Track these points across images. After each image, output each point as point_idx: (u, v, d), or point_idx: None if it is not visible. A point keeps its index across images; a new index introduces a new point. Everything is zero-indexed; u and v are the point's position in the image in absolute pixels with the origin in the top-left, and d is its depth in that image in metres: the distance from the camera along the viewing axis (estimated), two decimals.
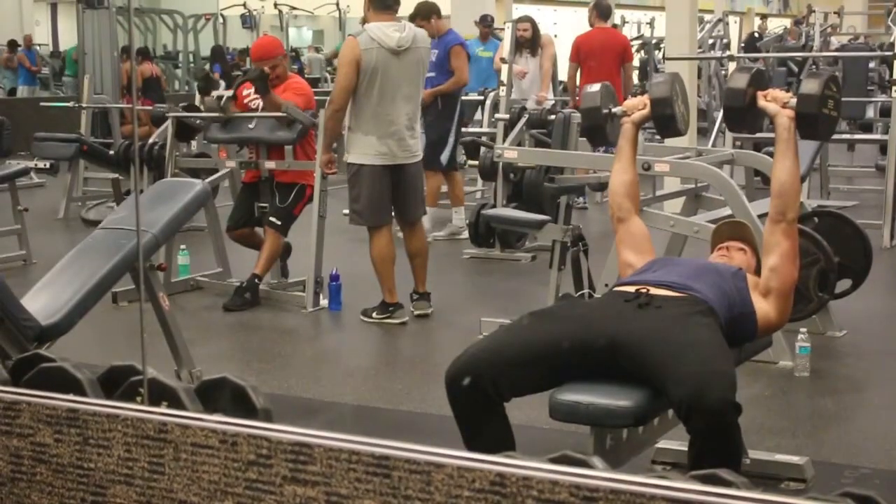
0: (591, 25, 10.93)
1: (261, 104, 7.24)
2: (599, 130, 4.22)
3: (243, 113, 7.32)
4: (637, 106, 4.15)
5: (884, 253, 8.36)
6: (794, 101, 3.84)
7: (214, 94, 7.44)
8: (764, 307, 3.73)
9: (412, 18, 8.49)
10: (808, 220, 5.94)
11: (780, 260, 3.75)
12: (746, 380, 4.82)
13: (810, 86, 3.80)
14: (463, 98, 9.70)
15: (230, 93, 7.41)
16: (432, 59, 7.91)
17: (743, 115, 3.95)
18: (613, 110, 4.17)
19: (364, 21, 6.76)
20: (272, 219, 7.11)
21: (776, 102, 3.85)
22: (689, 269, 3.79)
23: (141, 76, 15.15)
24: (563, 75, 13.51)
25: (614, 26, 20.57)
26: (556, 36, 12.63)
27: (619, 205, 4.09)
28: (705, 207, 6.27)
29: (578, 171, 7.78)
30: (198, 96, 10.15)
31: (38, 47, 23.61)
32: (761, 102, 3.88)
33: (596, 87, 4.23)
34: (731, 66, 10.24)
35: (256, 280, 7.13)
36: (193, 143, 9.28)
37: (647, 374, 3.33)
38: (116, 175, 10.16)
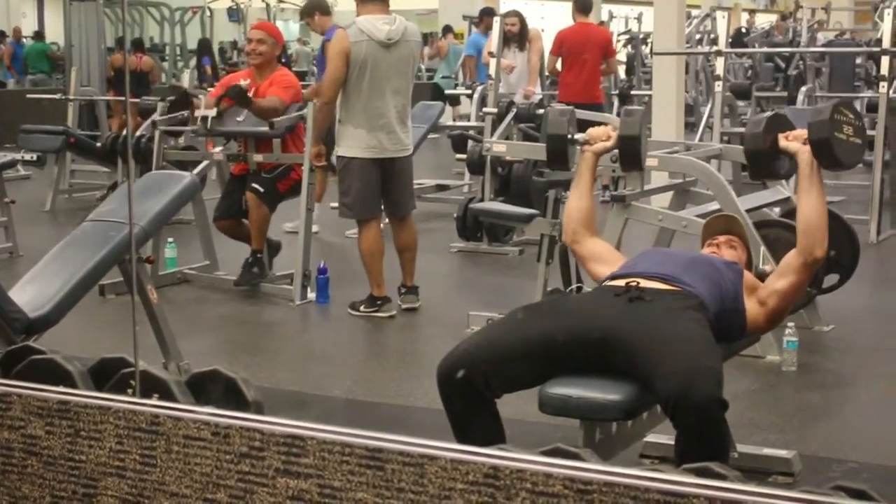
0: (574, 20, 10.94)
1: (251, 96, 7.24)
2: (562, 156, 4.20)
3: (230, 111, 7.29)
4: (600, 136, 4.10)
5: (871, 248, 8.38)
6: None
7: (198, 114, 7.35)
8: (756, 312, 3.74)
9: (302, 16, 8.59)
10: (795, 215, 5.94)
11: (790, 288, 3.76)
12: (734, 374, 4.83)
13: (818, 113, 3.78)
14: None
15: (213, 112, 7.32)
16: (317, 57, 7.96)
17: (766, 160, 3.93)
18: (576, 137, 4.15)
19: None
20: (254, 184, 7.11)
21: (798, 141, 3.82)
22: (682, 260, 3.79)
23: (132, 69, 15.12)
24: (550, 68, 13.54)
25: (602, 22, 20.61)
26: (543, 30, 12.59)
27: (573, 230, 4.08)
28: (693, 202, 6.28)
29: None
30: (186, 84, 10.11)
31: (25, 40, 23.51)
32: (783, 143, 3.85)
33: (563, 112, 4.20)
34: (719, 61, 10.25)
35: (258, 255, 7.17)
36: (181, 138, 9.24)
37: (636, 370, 3.33)
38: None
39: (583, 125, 8.26)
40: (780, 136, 3.88)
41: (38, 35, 22.27)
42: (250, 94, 7.19)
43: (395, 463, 1.70)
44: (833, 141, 3.73)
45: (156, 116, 7.65)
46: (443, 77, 18.48)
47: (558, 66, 10.77)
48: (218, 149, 7.58)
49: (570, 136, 4.15)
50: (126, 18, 21.47)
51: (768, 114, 4.06)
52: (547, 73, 11.74)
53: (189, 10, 22.91)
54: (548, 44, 11.62)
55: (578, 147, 4.18)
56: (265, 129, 7.06)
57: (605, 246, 4.16)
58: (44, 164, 10.80)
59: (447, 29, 18.96)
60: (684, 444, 3.25)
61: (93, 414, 1.93)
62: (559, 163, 4.30)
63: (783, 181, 6.52)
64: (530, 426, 4.11)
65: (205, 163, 7.68)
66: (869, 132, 10.24)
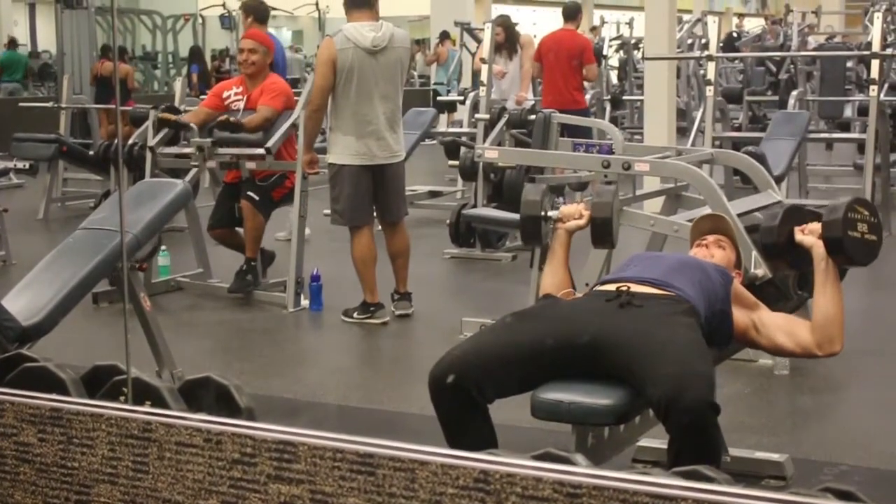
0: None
1: (242, 105, 7.26)
2: (536, 235, 4.21)
3: (223, 128, 7.32)
4: (573, 214, 4.08)
5: None
6: None
7: (194, 142, 7.35)
8: (744, 328, 3.74)
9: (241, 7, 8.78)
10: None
11: (786, 349, 3.79)
12: (726, 378, 4.84)
13: (832, 211, 3.75)
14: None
15: (208, 143, 7.32)
16: None
17: (782, 252, 3.93)
18: (549, 214, 4.14)
19: None
20: (249, 192, 7.12)
21: (813, 235, 3.79)
22: (672, 264, 3.80)
23: (106, 74, 15.11)
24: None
25: (593, 27, 20.63)
26: (535, 36, 12.64)
27: None
28: (685, 207, 6.28)
29: (558, 170, 7.81)
30: (178, 93, 10.12)
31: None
32: (798, 237, 3.83)
33: (538, 192, 4.19)
34: (711, 65, 10.27)
35: (252, 263, 7.19)
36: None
37: (627, 374, 3.34)
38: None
39: (566, 129, 8.28)
40: (796, 230, 3.84)
41: (12, 43, 22.16)
42: (241, 103, 7.23)
43: (387, 468, 1.71)
44: (846, 240, 3.68)
45: (151, 141, 7.66)
46: (437, 83, 18.52)
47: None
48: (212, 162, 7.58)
49: (543, 214, 4.14)
50: (118, 26, 21.46)
51: (785, 206, 4.04)
52: (540, 80, 11.76)
53: (181, 17, 22.92)
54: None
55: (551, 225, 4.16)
56: (257, 139, 7.09)
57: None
58: (36, 172, 10.78)
59: (445, 35, 18.97)
60: (677, 448, 3.26)
61: (85, 421, 1.93)
62: (533, 240, 4.31)
63: (774, 185, 6.54)
64: (523, 432, 4.12)
65: (194, 170, 7.67)
66: (860, 136, 10.30)
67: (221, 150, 7.24)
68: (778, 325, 3.78)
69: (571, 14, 11.13)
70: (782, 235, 3.86)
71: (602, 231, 4.02)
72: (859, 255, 3.77)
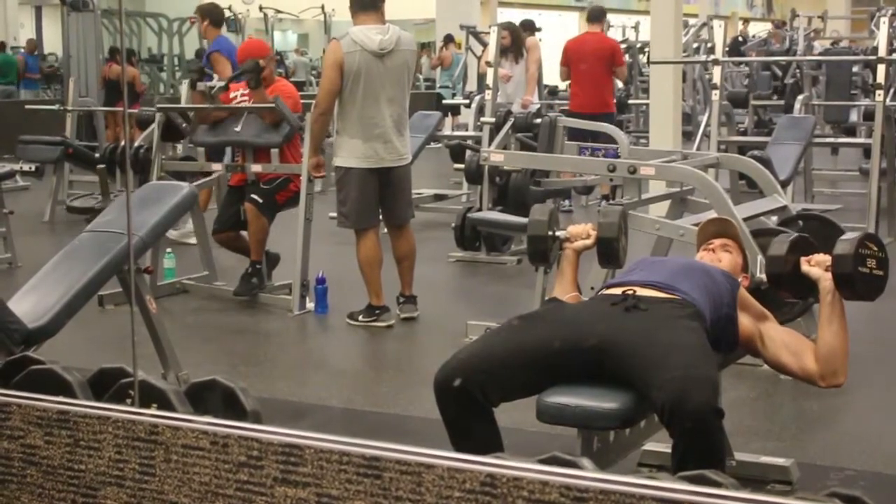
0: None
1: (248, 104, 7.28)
2: (544, 256, 4.21)
3: (228, 121, 7.35)
4: (581, 234, 4.09)
5: None
6: None
7: (207, 84, 7.45)
8: (750, 337, 3.74)
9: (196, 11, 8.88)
10: (793, 224, 5.95)
11: (789, 370, 3.77)
12: (731, 382, 4.84)
13: (843, 246, 3.72)
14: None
15: (223, 83, 7.42)
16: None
17: (788, 282, 3.92)
18: (557, 234, 4.15)
19: None
20: (253, 195, 7.13)
21: (819, 267, 3.77)
22: (677, 268, 3.80)
23: (113, 77, 15.14)
24: (547, 78, 13.57)
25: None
26: (541, 40, 12.66)
27: None
28: (690, 211, 6.28)
29: (564, 174, 7.81)
30: (184, 95, 10.14)
31: (17, 51, 23.51)
32: (805, 268, 3.80)
33: (544, 213, 4.19)
34: (716, 69, 10.27)
35: (257, 266, 7.19)
36: (179, 146, 9.26)
37: (632, 378, 3.34)
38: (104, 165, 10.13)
39: (587, 135, 8.28)
40: (803, 261, 3.81)
41: (2, 45, 22.17)
42: (248, 103, 7.25)
43: (393, 471, 1.71)
44: (856, 276, 3.68)
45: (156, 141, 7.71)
46: (442, 86, 18.52)
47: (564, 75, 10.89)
48: (217, 165, 7.61)
49: (551, 234, 4.14)
50: (124, 29, 21.49)
51: (792, 237, 4.02)
52: (546, 84, 11.79)
53: (187, 20, 22.92)
54: (544, 53, 11.65)
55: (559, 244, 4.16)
56: (265, 134, 7.11)
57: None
58: (42, 174, 10.81)
59: (449, 38, 18.98)
60: (681, 453, 3.25)
61: (92, 424, 1.93)
62: (540, 260, 4.32)
63: (780, 189, 6.53)
64: (528, 435, 4.12)
65: (211, 177, 7.69)
66: (866, 140, 10.29)
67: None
68: (784, 343, 3.77)
69: (597, 16, 11.19)
70: (789, 264, 3.85)
71: (609, 251, 4.03)
72: (867, 291, 3.75)
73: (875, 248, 3.71)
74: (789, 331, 3.87)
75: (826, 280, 3.72)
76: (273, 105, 7.04)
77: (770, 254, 3.98)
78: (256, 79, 7.11)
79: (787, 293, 4.09)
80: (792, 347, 3.76)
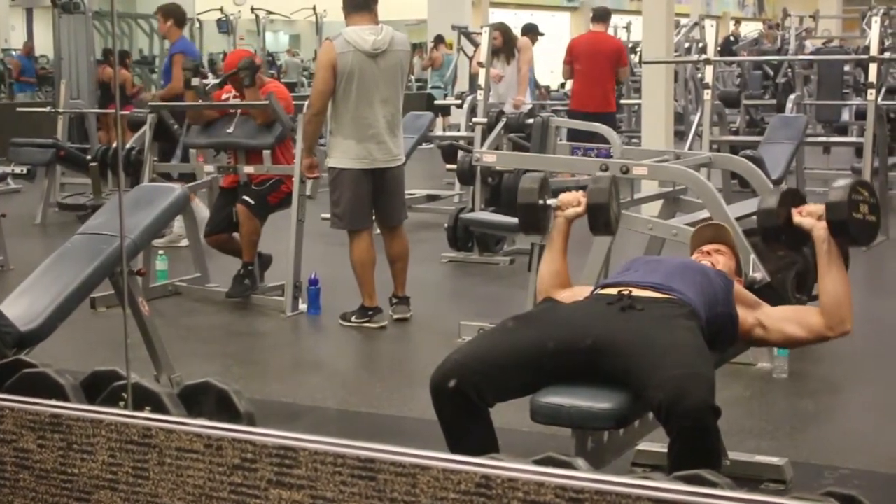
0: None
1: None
2: (535, 225, 4.21)
3: (220, 123, 7.34)
4: (571, 202, 4.08)
5: (860, 255, 8.37)
6: None
7: (202, 81, 7.46)
8: (750, 325, 3.75)
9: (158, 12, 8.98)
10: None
11: (796, 339, 3.79)
12: (725, 381, 4.84)
13: (836, 193, 3.75)
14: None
15: (217, 81, 7.43)
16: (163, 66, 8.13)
17: (780, 234, 3.94)
18: (548, 202, 4.15)
19: None
20: (245, 197, 7.13)
21: (811, 217, 3.79)
22: (672, 268, 3.80)
23: (106, 80, 15.13)
24: (540, 79, 13.58)
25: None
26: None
27: (545, 291, 4.05)
28: (683, 210, 6.28)
29: (559, 174, 7.81)
30: None
31: (11, 53, 23.48)
32: (797, 219, 3.81)
33: (535, 181, 4.19)
34: (708, 69, 10.28)
35: (250, 267, 7.19)
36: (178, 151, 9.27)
37: (628, 378, 3.34)
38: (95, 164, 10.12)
39: (585, 135, 8.28)
40: (794, 212, 3.84)
41: None
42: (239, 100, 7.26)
43: (388, 473, 1.70)
44: (850, 222, 3.70)
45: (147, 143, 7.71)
46: (433, 87, 18.53)
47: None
48: (210, 167, 7.61)
49: (541, 203, 4.14)
50: (115, 31, 21.46)
51: (781, 189, 4.04)
52: (539, 85, 11.80)
53: None
54: (537, 53, 11.65)
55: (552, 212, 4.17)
56: (257, 136, 7.11)
57: (580, 288, 4.12)
58: (34, 177, 10.79)
59: (440, 39, 18.99)
60: (677, 452, 3.25)
61: (85, 427, 1.93)
62: (530, 228, 4.31)
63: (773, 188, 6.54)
64: (523, 436, 4.12)
65: (203, 179, 7.68)
66: (857, 139, 10.31)
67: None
68: (786, 317, 3.80)
69: (603, 16, 11.25)
70: (780, 217, 3.87)
71: (599, 217, 4.02)
72: (861, 236, 3.80)
73: (867, 194, 3.75)
74: (784, 307, 3.89)
75: (820, 229, 3.75)
76: (266, 103, 7.03)
77: (761, 207, 4.00)
78: (251, 77, 7.11)
79: (779, 247, 4.10)
80: (793, 318, 3.79)
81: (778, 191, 4.00)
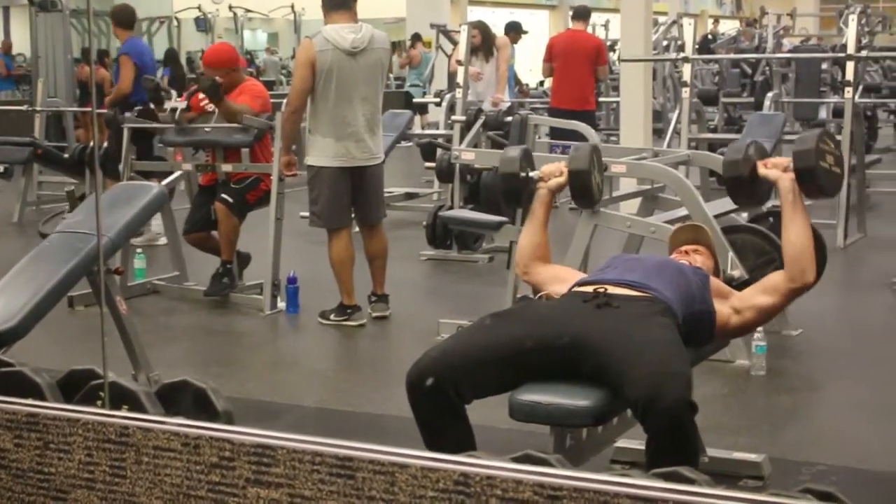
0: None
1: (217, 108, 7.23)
2: (517, 195, 4.23)
3: (198, 121, 7.32)
4: (554, 173, 4.14)
5: (838, 252, 8.43)
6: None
7: (168, 105, 7.40)
8: (727, 318, 3.77)
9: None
10: (763, 220, 5.99)
11: (770, 307, 3.81)
12: (703, 378, 4.85)
13: (804, 142, 3.81)
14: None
15: (183, 104, 7.36)
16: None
17: (745, 186, 3.96)
18: (531, 174, 4.17)
19: None
20: (223, 195, 7.10)
21: (777, 169, 3.85)
22: (649, 266, 3.81)
23: (85, 79, 15.09)
24: (519, 76, 13.58)
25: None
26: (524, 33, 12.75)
27: (524, 264, 4.09)
28: (662, 208, 6.30)
29: None
30: None
31: None
32: (762, 171, 3.88)
33: (516, 151, 4.22)
34: (686, 67, 10.30)
35: (228, 265, 7.17)
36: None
37: (605, 375, 3.34)
38: (73, 185, 10.05)
39: (563, 133, 8.30)
40: (759, 164, 3.89)
41: None
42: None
43: (366, 471, 1.70)
44: (818, 170, 3.75)
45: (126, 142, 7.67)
46: (412, 85, 18.51)
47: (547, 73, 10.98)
48: (188, 165, 7.57)
49: (524, 175, 4.16)
50: (93, 29, 21.37)
51: (746, 141, 4.08)
52: (518, 83, 11.82)
53: (156, 20, 22.82)
54: (524, 49, 11.67)
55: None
56: (236, 134, 7.07)
57: (560, 267, 4.17)
58: (11, 175, 10.75)
59: (416, 37, 18.99)
60: (654, 448, 3.26)
61: (62, 426, 1.92)
62: (513, 200, 4.33)
63: None
64: (501, 433, 4.12)
65: (177, 173, 7.64)
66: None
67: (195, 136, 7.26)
68: (753, 292, 3.84)
69: (582, 14, 11.29)
70: (745, 168, 3.90)
71: (582, 185, 4.04)
72: (828, 186, 3.86)
73: (832, 145, 3.82)
74: (751, 286, 3.91)
75: (786, 180, 3.82)
76: (239, 126, 7.01)
77: (726, 159, 4.04)
78: (216, 94, 7.02)
79: (744, 199, 4.14)
80: (759, 289, 3.84)
81: (743, 144, 4.04)
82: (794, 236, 3.76)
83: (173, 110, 7.36)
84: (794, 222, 3.77)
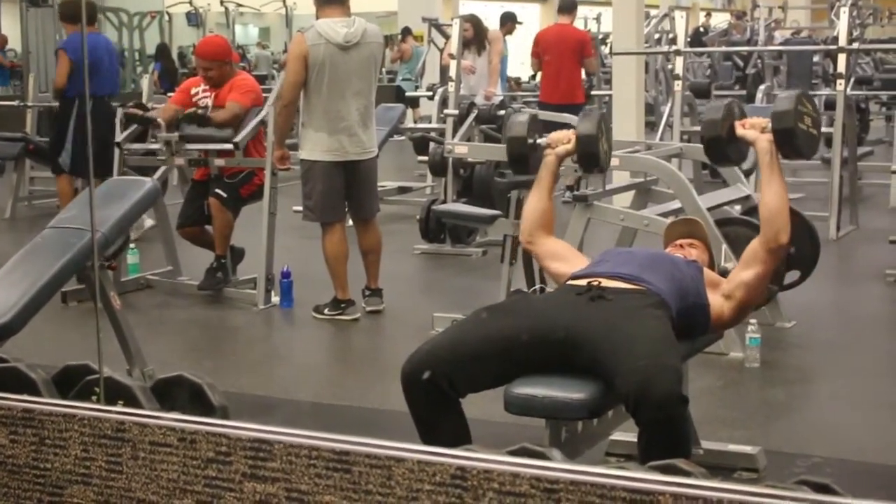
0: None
1: (210, 102, 7.21)
2: (523, 159, 4.25)
3: (193, 131, 7.28)
4: (562, 140, 4.17)
5: (830, 244, 8.44)
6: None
7: (161, 136, 7.28)
8: (720, 306, 3.77)
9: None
10: (756, 213, 5.99)
11: (755, 278, 3.79)
12: (698, 371, 4.86)
13: (782, 103, 3.83)
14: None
15: (175, 136, 7.23)
16: None
17: (723, 146, 3.97)
18: (538, 141, 4.18)
19: None
20: (217, 190, 7.08)
21: (755, 129, 3.86)
22: (643, 259, 3.82)
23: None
24: (511, 70, 13.56)
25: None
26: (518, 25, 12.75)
27: (529, 231, 4.12)
28: (655, 201, 6.31)
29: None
30: (145, 90, 10.06)
31: None
32: (740, 131, 3.90)
33: (524, 116, 4.24)
34: (678, 60, 10.30)
35: (222, 260, 7.16)
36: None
37: (598, 368, 3.35)
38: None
39: (552, 126, 8.32)
40: (737, 124, 3.93)
41: None
42: (209, 100, 7.19)
43: (362, 465, 1.70)
44: (797, 131, 3.78)
45: (119, 137, 7.59)
46: (403, 79, 18.49)
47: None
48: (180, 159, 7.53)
49: (531, 141, 4.18)
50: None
51: (725, 101, 4.10)
52: (510, 77, 11.81)
53: (147, 14, 22.80)
54: (517, 43, 11.66)
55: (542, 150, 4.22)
56: (225, 135, 7.04)
57: (563, 244, 4.20)
58: (2, 171, 10.71)
59: (407, 31, 18.96)
60: (647, 441, 3.27)
61: (57, 422, 1.92)
62: (520, 166, 4.34)
63: (743, 178, 6.57)
64: (496, 426, 4.12)
65: (164, 167, 7.61)
66: (827, 129, 10.36)
67: (189, 146, 7.19)
68: (737, 271, 3.85)
69: (568, 8, 11.26)
70: (723, 128, 3.92)
71: (589, 151, 4.07)
72: (805, 147, 3.88)
73: (810, 107, 3.84)
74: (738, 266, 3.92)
75: (764, 140, 3.84)
76: (229, 136, 7.00)
77: (705, 118, 4.05)
78: (202, 122, 7.04)
79: (722, 159, 4.16)
80: (741, 265, 3.85)
81: (722, 104, 4.05)
82: (770, 197, 3.78)
83: (167, 143, 7.29)
84: (771, 183, 3.79)
